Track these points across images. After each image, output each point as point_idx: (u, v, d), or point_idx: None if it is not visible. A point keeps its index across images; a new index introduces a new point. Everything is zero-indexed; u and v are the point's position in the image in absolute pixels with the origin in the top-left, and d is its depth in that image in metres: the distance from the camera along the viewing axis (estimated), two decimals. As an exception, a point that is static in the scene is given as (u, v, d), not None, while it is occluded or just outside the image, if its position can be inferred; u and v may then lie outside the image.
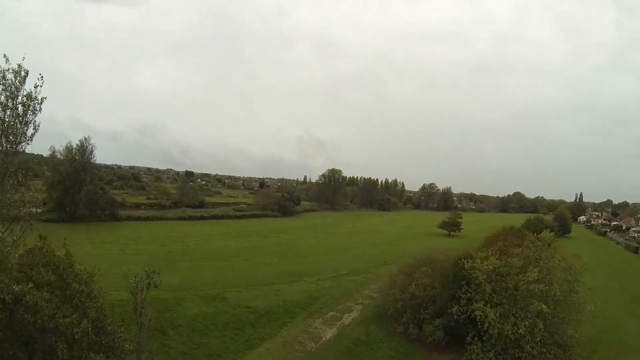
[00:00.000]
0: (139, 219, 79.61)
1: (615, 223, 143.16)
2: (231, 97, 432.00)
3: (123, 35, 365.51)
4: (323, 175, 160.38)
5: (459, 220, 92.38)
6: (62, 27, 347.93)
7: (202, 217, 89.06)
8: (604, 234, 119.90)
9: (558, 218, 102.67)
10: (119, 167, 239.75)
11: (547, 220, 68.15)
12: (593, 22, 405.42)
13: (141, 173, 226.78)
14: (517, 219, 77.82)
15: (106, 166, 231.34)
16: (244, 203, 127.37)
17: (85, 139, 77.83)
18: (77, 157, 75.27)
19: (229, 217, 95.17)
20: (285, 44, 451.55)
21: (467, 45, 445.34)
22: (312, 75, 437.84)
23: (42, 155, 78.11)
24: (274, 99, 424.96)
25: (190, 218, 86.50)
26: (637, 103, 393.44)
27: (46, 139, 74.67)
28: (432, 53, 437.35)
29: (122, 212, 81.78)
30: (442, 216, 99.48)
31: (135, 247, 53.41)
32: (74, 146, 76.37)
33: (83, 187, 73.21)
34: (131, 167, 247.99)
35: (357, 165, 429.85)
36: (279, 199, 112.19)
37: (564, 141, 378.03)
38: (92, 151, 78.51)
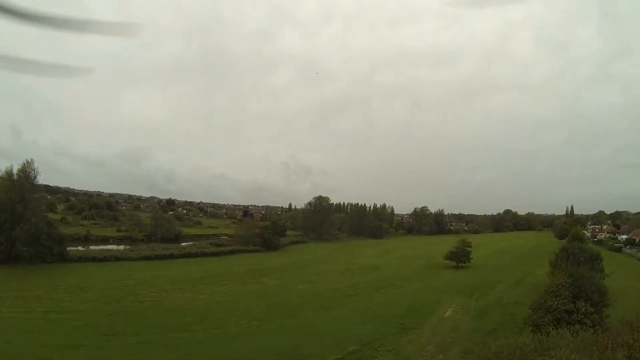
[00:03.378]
0: (93, 259, 66.82)
1: (626, 237, 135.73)
2: (216, 123, 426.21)
3: (107, 61, 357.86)
4: (309, 203, 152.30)
5: (468, 249, 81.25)
6: (43, 51, 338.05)
7: (171, 256, 76.66)
8: (619, 249, 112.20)
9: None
10: (100, 194, 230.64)
11: (592, 249, 56.75)
12: (575, 35, 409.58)
13: (121, 201, 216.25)
14: (525, 240, 67.29)
15: (85, 193, 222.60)
16: (225, 234, 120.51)
17: (27, 162, 66.32)
18: (15, 185, 63.33)
19: (204, 254, 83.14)
20: (270, 69, 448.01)
21: (452, 66, 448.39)
22: (298, 100, 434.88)
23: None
24: (259, 124, 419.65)
25: (158, 257, 74.22)
26: (622, 114, 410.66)
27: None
28: (417, 75, 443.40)
29: (75, 251, 69.86)
30: (438, 241, 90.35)
31: (71, 304, 40.95)
32: (15, 172, 64.88)
33: (21, 222, 60.82)
34: (112, 195, 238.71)
35: (344, 191, 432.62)
36: (262, 232, 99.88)
37: (550, 155, 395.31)
38: (35, 177, 67.18)
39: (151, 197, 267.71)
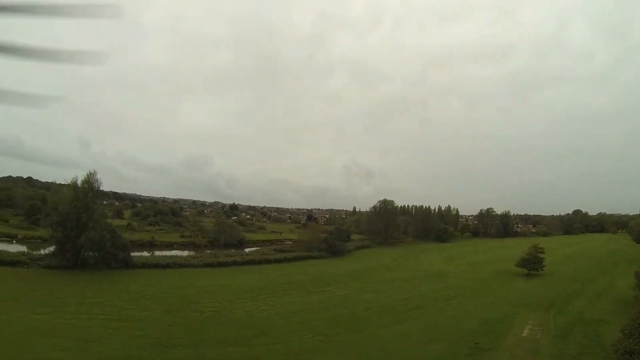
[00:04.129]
0: (156, 266, 67.33)
1: None
2: (274, 128, 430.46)
3: (163, 72, 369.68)
4: (374, 206, 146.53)
5: (541, 255, 76.01)
6: (104, 67, 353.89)
7: (234, 263, 75.93)
8: None
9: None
10: (165, 200, 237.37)
11: None
12: (634, 22, 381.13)
13: (185, 206, 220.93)
14: (599, 243, 62.02)
15: (151, 199, 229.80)
16: (289, 240, 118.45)
17: (90, 173, 68.08)
18: (79, 195, 64.88)
19: (267, 261, 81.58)
20: (325, 74, 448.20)
21: (505, 60, 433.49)
22: (354, 102, 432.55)
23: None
24: (317, 128, 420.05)
25: (220, 265, 73.80)
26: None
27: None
28: (470, 72, 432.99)
29: (139, 258, 70.78)
30: (506, 244, 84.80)
31: (131, 312, 40.83)
32: (79, 183, 66.68)
33: (85, 230, 62.38)
34: (176, 201, 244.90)
35: (405, 193, 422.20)
36: (327, 238, 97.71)
37: (616, 150, 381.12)
38: (98, 187, 68.86)
39: (215, 202, 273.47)
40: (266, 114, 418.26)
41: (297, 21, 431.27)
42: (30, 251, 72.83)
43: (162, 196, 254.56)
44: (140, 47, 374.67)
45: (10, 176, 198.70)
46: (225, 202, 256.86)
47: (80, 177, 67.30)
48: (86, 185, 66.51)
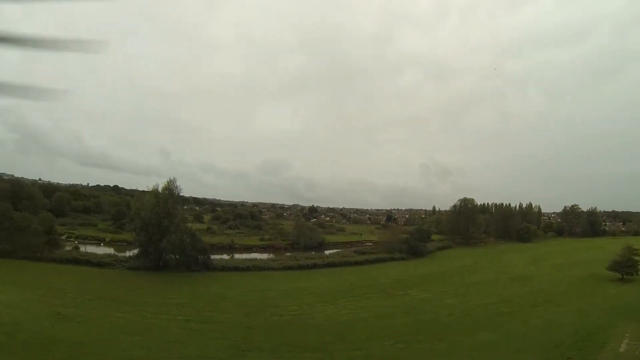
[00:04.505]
0: (236, 269, 67.71)
1: None
2: (350, 129, 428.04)
3: (237, 81, 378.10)
4: (454, 205, 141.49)
5: (635, 258, 67.78)
6: (177, 81, 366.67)
7: (314, 266, 74.88)
8: None
9: None
10: (244, 204, 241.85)
11: None
12: None
13: (264, 210, 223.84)
14: None
15: (230, 203, 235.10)
16: (369, 241, 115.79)
17: (170, 180, 70.68)
18: (160, 202, 67.31)
19: (348, 263, 79.94)
20: (396, 72, 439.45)
21: (581, 43, 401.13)
22: (427, 99, 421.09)
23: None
24: (392, 127, 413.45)
25: (300, 267, 72.93)
26: None
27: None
28: (545, 59, 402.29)
29: (219, 260, 72.08)
30: (594, 245, 77.37)
31: (210, 314, 40.81)
32: (160, 190, 69.47)
33: (167, 234, 64.23)
34: (255, 204, 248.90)
35: (483, 191, 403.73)
36: (408, 239, 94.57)
37: None
38: (178, 194, 71.39)
39: (293, 205, 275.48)
40: (341, 116, 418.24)
41: (362, 21, 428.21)
42: (116, 253, 76.14)
43: (241, 200, 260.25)
44: (212, 58, 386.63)
45: (98, 185, 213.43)
46: (304, 205, 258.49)
47: (161, 184, 70.11)
48: (167, 192, 68.82)
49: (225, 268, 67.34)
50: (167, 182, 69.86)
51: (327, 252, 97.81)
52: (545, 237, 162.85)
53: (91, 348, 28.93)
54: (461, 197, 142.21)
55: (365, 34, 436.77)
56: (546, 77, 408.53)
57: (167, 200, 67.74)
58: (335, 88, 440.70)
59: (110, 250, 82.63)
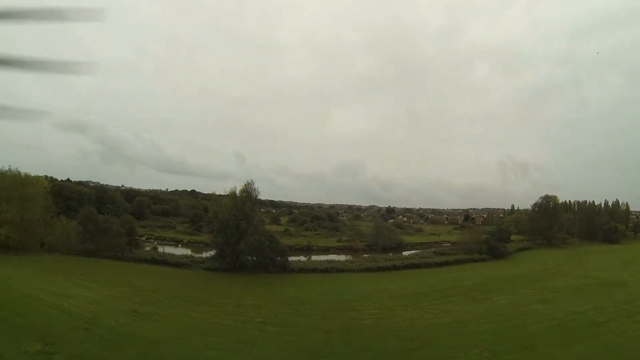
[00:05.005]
0: (314, 271, 66.65)
1: None
2: (422, 128, 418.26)
3: (308, 85, 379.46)
4: (535, 203, 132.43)
5: None
6: (248, 88, 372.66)
7: (394, 267, 72.33)
8: None
9: None
10: (320, 206, 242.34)
11: None
12: None
13: (341, 211, 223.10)
14: None
15: (307, 205, 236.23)
16: (447, 242, 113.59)
17: (248, 182, 71.04)
18: (238, 204, 67.74)
19: (427, 265, 77.11)
20: (466, 65, 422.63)
21: None
22: (500, 92, 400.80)
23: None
24: (465, 124, 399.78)
25: (379, 269, 70.59)
26: None
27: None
28: (623, 38, 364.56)
29: (297, 262, 71.84)
30: None
31: (287, 317, 39.33)
32: (238, 192, 69.86)
33: (244, 237, 64.24)
34: (332, 206, 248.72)
35: (565, 187, 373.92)
36: (487, 239, 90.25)
37: None
38: (256, 196, 71.33)
39: (370, 206, 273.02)
40: (413, 114, 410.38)
41: (428, 16, 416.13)
42: (193, 254, 78.17)
43: (318, 202, 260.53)
44: (282, 63, 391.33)
45: (176, 190, 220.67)
46: (380, 206, 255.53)
47: (238, 187, 70.52)
48: (244, 195, 69.10)
49: (303, 270, 66.55)
50: (245, 185, 70.23)
51: (405, 253, 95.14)
52: (635, 237, 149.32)
53: (166, 347, 28.75)
54: (542, 195, 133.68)
55: (433, 29, 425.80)
56: (627, 60, 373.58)
57: (245, 202, 67.98)
58: (406, 87, 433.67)
59: (187, 251, 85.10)
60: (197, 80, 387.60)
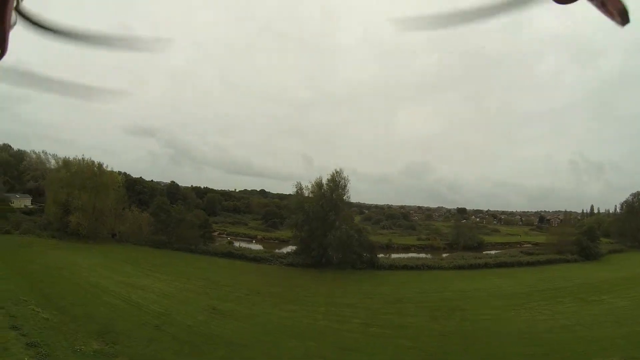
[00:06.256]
0: (404, 267, 61.49)
1: None
2: (489, 128, 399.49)
3: (370, 86, 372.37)
4: (625, 202, 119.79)
5: None
6: (309, 90, 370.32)
7: (485, 265, 67.25)
8: None
9: None
10: (390, 207, 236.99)
11: None
12: None
13: (411, 212, 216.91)
14: None
15: (376, 206, 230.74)
16: (527, 242, 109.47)
17: (336, 171, 65.55)
18: (326, 195, 63.52)
19: (519, 264, 71.62)
20: (532, 59, 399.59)
21: None
22: (570, 86, 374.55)
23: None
24: (534, 122, 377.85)
25: (471, 267, 65.42)
26: None
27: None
28: None
29: (385, 259, 66.65)
30: None
31: (390, 318, 34.36)
32: (324, 182, 65.07)
33: (332, 230, 59.90)
34: (401, 207, 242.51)
35: None
36: (579, 239, 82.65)
37: None
38: (345, 186, 65.75)
39: (438, 207, 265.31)
40: (480, 114, 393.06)
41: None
42: (269, 250, 74.56)
43: (386, 203, 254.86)
44: (343, 64, 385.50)
45: (245, 189, 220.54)
46: (449, 207, 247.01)
47: (325, 176, 66.18)
48: (331, 185, 64.58)
49: (392, 267, 61.38)
50: (333, 173, 65.43)
51: (487, 252, 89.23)
52: None
53: (253, 352, 24.85)
54: (626, 196, 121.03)
55: (497, 21, 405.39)
56: None
57: (333, 192, 63.92)
58: (472, 85, 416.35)
59: (261, 248, 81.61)
60: (257, 83, 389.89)
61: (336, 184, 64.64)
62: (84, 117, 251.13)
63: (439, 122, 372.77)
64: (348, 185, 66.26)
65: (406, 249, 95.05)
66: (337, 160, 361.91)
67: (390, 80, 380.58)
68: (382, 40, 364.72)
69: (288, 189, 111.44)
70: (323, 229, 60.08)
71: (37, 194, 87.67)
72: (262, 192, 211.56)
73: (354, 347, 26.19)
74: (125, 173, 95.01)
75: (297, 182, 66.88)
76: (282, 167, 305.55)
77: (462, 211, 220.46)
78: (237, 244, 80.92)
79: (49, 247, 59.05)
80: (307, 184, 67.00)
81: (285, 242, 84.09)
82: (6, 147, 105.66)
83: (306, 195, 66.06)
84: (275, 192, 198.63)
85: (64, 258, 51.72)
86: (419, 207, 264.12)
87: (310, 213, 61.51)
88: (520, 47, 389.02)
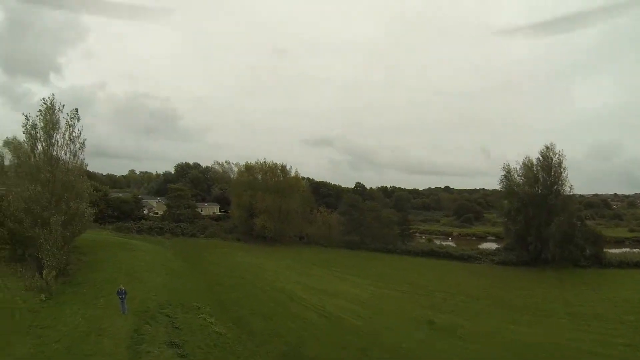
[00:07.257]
0: (636, 266, 50.28)
1: None
2: None
3: (535, 66, 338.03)
4: None
5: None
6: (475, 81, 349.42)
7: None
8: None
9: None
10: (582, 196, 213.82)
11: None
12: None
13: (608, 200, 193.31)
14: None
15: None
16: None
17: (547, 147, 55.91)
18: (539, 176, 55.14)
19: None
20: None
21: None
22: None
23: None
24: None
25: None
26: None
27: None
28: None
29: (612, 254, 54.92)
30: None
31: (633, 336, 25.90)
32: (535, 162, 56.47)
33: (554, 218, 51.34)
34: (595, 195, 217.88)
35: None
36: None
37: None
38: (560, 163, 55.38)
39: (634, 194, 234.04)
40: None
41: None
42: (469, 248, 67.43)
43: (574, 192, 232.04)
44: (508, 48, 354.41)
45: (429, 187, 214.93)
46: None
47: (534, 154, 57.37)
48: (545, 162, 55.69)
49: (622, 264, 50.49)
50: (543, 150, 55.98)
51: None
52: None
53: None
54: None
55: None
56: None
57: (550, 169, 54.93)
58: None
59: (458, 245, 75.80)
60: (429, 82, 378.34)
61: (549, 163, 55.18)
62: (263, 137, 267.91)
63: (624, 91, 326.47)
64: (564, 162, 55.57)
65: (619, 242, 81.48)
66: (515, 148, 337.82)
67: (558, 56, 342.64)
68: (543, 14, 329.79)
69: (471, 184, 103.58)
70: (539, 218, 51.86)
71: (225, 203, 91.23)
72: (447, 188, 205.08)
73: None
74: (308, 178, 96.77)
75: (504, 164, 58.57)
76: (462, 162, 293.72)
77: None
78: (440, 242, 77.22)
79: (234, 249, 59.95)
80: (515, 165, 58.49)
81: (482, 239, 79.32)
82: (196, 166, 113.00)
83: (515, 179, 57.90)
84: (459, 188, 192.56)
85: (247, 260, 51.39)
86: (616, 195, 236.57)
87: (524, 198, 53.61)
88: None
